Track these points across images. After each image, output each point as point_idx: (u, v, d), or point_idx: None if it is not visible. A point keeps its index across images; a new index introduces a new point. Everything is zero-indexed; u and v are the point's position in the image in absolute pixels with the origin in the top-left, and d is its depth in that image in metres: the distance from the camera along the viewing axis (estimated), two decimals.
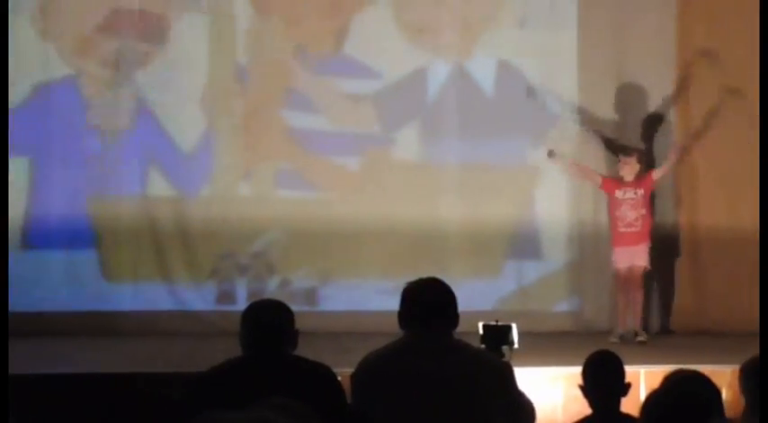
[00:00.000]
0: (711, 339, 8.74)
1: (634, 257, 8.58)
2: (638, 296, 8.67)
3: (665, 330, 9.30)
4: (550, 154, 9.06)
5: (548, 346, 7.88)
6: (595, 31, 9.36)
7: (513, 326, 4.22)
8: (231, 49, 9.34)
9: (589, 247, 9.34)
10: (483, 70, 9.43)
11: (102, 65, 9.22)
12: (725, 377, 5.89)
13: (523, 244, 9.40)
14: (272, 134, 9.37)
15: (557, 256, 9.41)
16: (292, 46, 9.35)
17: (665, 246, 9.19)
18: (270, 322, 3.60)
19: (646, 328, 8.86)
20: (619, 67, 9.35)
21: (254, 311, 3.66)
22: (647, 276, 8.82)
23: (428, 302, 3.51)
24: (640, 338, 8.52)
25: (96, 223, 9.16)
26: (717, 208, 9.35)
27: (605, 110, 9.34)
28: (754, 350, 4.24)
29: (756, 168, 9.36)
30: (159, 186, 9.27)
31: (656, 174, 8.71)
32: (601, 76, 9.35)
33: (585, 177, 9.03)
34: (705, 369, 3.37)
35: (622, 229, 8.60)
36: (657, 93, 9.39)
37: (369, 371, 3.55)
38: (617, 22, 9.36)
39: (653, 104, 9.38)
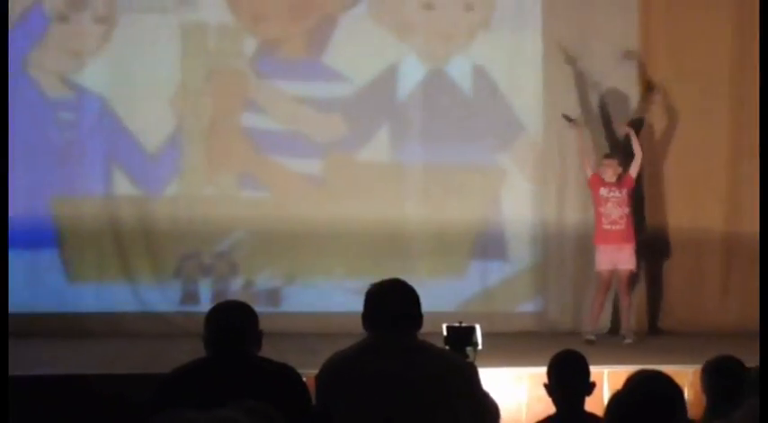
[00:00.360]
0: (675, 340, 8.81)
1: (618, 260, 8.61)
2: (626, 299, 8.71)
3: (654, 331, 9.33)
4: (568, 118, 9.10)
5: (512, 347, 7.90)
6: (559, 34, 9.40)
7: (477, 327, 4.23)
8: (200, 50, 9.30)
9: (553, 248, 9.38)
10: (451, 73, 9.46)
11: (64, 60, 9.15)
12: (687, 377, 5.93)
13: (488, 245, 9.42)
14: (238, 136, 9.35)
15: (521, 256, 9.44)
16: (262, 47, 9.33)
17: (653, 246, 9.25)
18: (234, 323, 3.58)
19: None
20: (582, 68, 9.39)
21: (217, 313, 3.64)
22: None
23: (392, 303, 3.51)
24: (627, 341, 8.55)
25: (59, 223, 9.09)
26: (680, 209, 9.42)
27: (570, 111, 9.38)
28: (715, 350, 4.28)
29: (720, 168, 9.44)
30: (123, 186, 9.22)
31: (633, 171, 8.77)
32: (565, 78, 9.39)
33: (582, 162, 9.02)
34: (668, 369, 3.39)
35: (607, 227, 8.65)
36: (621, 94, 9.44)
37: (333, 372, 3.54)
38: (581, 25, 9.40)
39: (618, 107, 9.43)
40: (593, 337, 8.48)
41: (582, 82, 9.38)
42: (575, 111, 9.37)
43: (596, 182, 8.76)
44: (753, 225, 9.34)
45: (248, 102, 9.35)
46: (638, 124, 9.37)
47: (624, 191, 8.70)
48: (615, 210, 8.65)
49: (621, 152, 9.01)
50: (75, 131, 9.15)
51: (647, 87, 9.29)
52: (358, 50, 9.35)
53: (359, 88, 9.39)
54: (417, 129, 9.42)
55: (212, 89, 9.31)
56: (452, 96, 9.45)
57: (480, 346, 4.20)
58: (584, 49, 9.38)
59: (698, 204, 9.42)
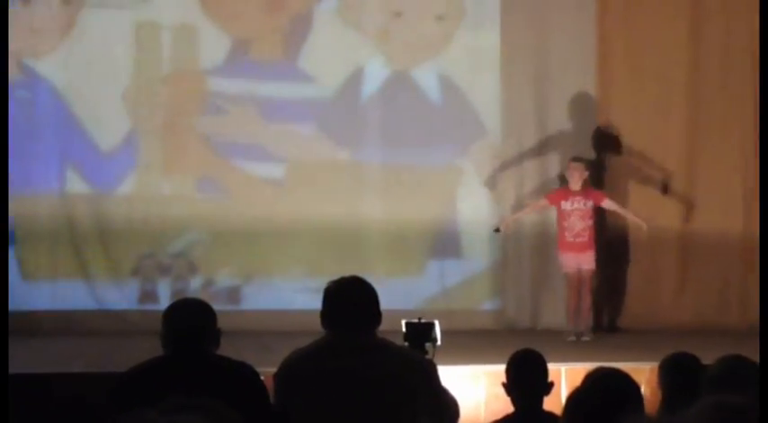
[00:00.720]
0: (632, 337, 8.87)
1: (581, 262, 8.63)
2: (587, 299, 8.71)
3: (613, 328, 9.38)
4: (497, 231, 9.03)
5: (471, 345, 7.92)
6: (517, 32, 9.43)
7: (436, 323, 4.24)
8: (156, 48, 9.24)
9: (511, 247, 9.41)
10: (413, 76, 9.47)
11: (23, 43, 9.05)
12: (644, 374, 5.97)
13: (446, 243, 9.44)
14: (195, 135, 9.30)
15: (479, 255, 9.47)
16: (224, 46, 9.29)
17: (610, 244, 9.29)
18: (192, 321, 3.56)
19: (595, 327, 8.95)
20: (540, 67, 9.44)
21: (175, 311, 3.62)
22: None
23: (350, 301, 3.50)
24: (585, 338, 8.57)
25: (13, 221, 8.99)
26: (639, 207, 9.47)
27: (527, 110, 9.41)
28: (671, 347, 4.31)
29: (677, 168, 9.52)
30: (78, 184, 9.14)
31: (608, 205, 8.76)
32: (523, 78, 9.42)
33: (533, 212, 9.03)
34: (625, 366, 3.41)
35: (569, 240, 8.62)
36: (579, 94, 9.49)
37: (291, 370, 3.53)
38: (539, 24, 9.44)
39: (576, 108, 9.48)
40: (573, 338, 8.51)
41: (540, 88, 9.40)
42: (534, 110, 9.41)
43: (555, 198, 8.72)
44: (708, 224, 9.44)
45: (206, 101, 9.30)
46: (600, 135, 9.41)
47: (589, 203, 8.63)
48: (579, 222, 8.60)
49: (587, 159, 9.00)
50: (30, 123, 9.05)
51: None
52: (323, 51, 9.34)
53: (319, 89, 9.38)
54: (377, 130, 9.42)
55: (169, 88, 9.25)
56: (413, 98, 9.45)
57: (440, 342, 4.20)
58: (542, 48, 9.41)
59: (655, 203, 9.48)
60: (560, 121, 9.47)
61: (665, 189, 9.42)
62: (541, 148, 9.43)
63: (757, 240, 9.30)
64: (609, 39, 9.49)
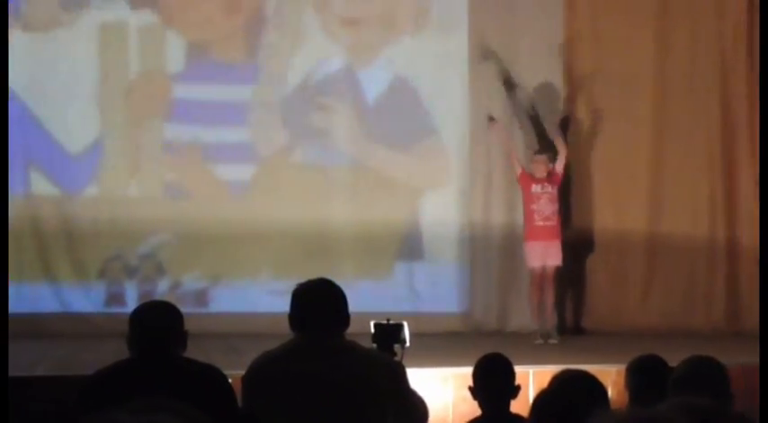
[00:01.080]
0: (598, 339, 8.91)
1: (547, 256, 8.65)
2: (551, 296, 8.74)
3: (578, 330, 9.41)
4: (491, 119, 9.13)
5: (438, 347, 7.93)
6: (485, 36, 9.46)
7: (405, 324, 4.24)
8: (123, 49, 9.20)
9: (479, 249, 9.43)
10: (379, 76, 9.48)
11: None
12: (610, 376, 5.99)
13: (414, 245, 9.46)
14: (162, 135, 9.26)
15: (447, 257, 9.49)
16: (188, 48, 9.26)
17: (577, 245, 9.31)
18: (158, 324, 3.54)
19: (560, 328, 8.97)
20: (506, 64, 9.46)
21: (141, 313, 3.60)
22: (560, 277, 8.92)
23: (318, 303, 3.50)
24: (552, 341, 8.58)
25: None
26: (605, 208, 9.52)
27: (495, 112, 9.44)
28: (638, 350, 4.33)
29: (643, 169, 9.56)
30: (42, 186, 9.08)
31: (559, 166, 8.83)
32: (492, 79, 9.45)
33: (511, 160, 9.06)
34: (591, 369, 3.43)
35: (539, 223, 8.67)
36: (546, 95, 9.53)
37: (259, 373, 3.52)
38: (506, 27, 9.47)
39: (547, 104, 9.51)
40: (540, 341, 8.52)
41: (508, 80, 9.44)
42: (502, 111, 9.44)
43: (526, 179, 8.80)
44: (674, 226, 9.50)
45: (172, 103, 9.26)
46: (565, 122, 9.47)
47: (555, 187, 8.75)
48: (548, 206, 8.68)
49: (551, 149, 9.07)
50: None
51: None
52: (286, 52, 9.32)
53: (285, 90, 9.37)
54: (344, 130, 9.42)
55: (135, 90, 9.21)
56: (381, 100, 9.46)
57: (408, 344, 4.20)
58: (511, 48, 9.44)
59: (622, 204, 9.53)
60: (528, 122, 9.49)
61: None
62: (509, 147, 9.44)
63: (723, 245, 9.40)
64: (576, 42, 9.54)
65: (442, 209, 9.48)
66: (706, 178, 9.56)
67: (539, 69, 9.47)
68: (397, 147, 9.47)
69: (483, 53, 9.35)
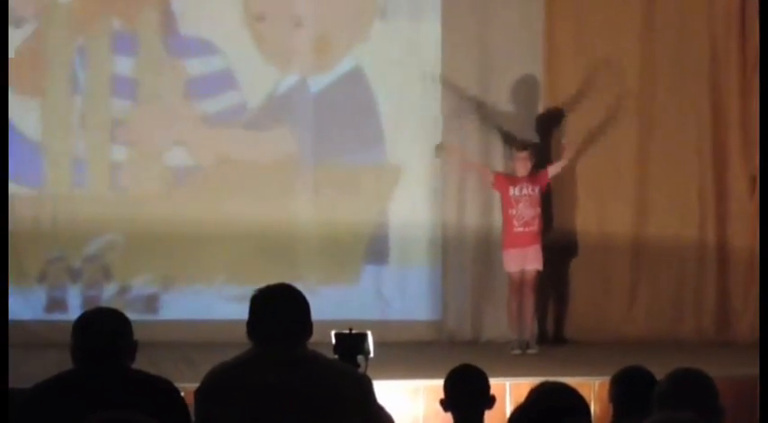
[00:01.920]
0: (580, 350, 8.95)
1: (526, 260, 8.67)
2: (530, 303, 8.74)
3: (559, 339, 9.45)
4: (439, 148, 9.11)
5: (408, 357, 7.95)
6: (460, 21, 9.48)
7: (369, 334, 4.25)
8: (66, 41, 9.17)
9: (453, 253, 9.45)
10: (344, 70, 9.49)
11: None
12: (592, 389, 6.04)
13: (383, 248, 9.47)
14: (110, 128, 9.23)
15: (418, 260, 9.50)
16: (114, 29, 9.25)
17: (558, 249, 9.35)
18: (105, 332, 3.53)
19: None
20: (483, 58, 9.49)
21: (86, 320, 3.59)
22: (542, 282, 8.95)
23: (279, 311, 3.50)
24: (532, 351, 8.60)
25: None
26: (588, 211, 9.55)
27: (469, 104, 9.46)
28: (622, 361, 4.36)
29: (628, 170, 9.61)
30: None
31: (552, 170, 8.84)
32: (466, 69, 9.47)
33: (478, 173, 9.09)
34: (572, 381, 3.45)
35: (518, 229, 8.66)
36: (525, 86, 9.56)
37: (215, 385, 3.52)
38: (481, 10, 9.49)
39: (522, 101, 9.55)
40: (518, 351, 8.54)
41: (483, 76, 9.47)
42: (475, 103, 9.45)
43: (502, 182, 8.79)
44: (661, 227, 9.54)
45: (121, 94, 9.24)
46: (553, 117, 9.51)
47: (537, 188, 8.73)
48: (528, 210, 8.67)
49: (533, 145, 9.08)
50: None
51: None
52: (247, 46, 9.34)
53: (245, 84, 9.38)
54: (309, 127, 9.43)
55: (79, 81, 9.18)
56: (346, 93, 9.46)
57: (372, 355, 4.22)
58: (485, 37, 9.46)
59: (606, 203, 9.56)
60: (504, 111, 9.50)
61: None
62: (486, 144, 9.47)
63: (713, 248, 9.46)
64: (557, 27, 9.56)
65: (412, 208, 9.49)
66: (696, 175, 9.59)
67: (516, 57, 9.48)
68: (365, 141, 9.48)
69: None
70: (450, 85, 9.36)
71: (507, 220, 8.74)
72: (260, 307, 3.52)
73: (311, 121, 9.43)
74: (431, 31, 9.46)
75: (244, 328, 3.56)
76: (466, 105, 9.40)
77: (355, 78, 9.51)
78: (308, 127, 9.44)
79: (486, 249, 9.37)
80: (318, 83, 9.46)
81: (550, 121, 9.54)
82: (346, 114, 9.46)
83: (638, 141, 9.61)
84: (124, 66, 9.27)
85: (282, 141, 9.43)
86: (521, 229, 8.66)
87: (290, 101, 9.43)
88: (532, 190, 8.70)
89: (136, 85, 9.29)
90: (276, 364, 3.45)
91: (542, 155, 9.18)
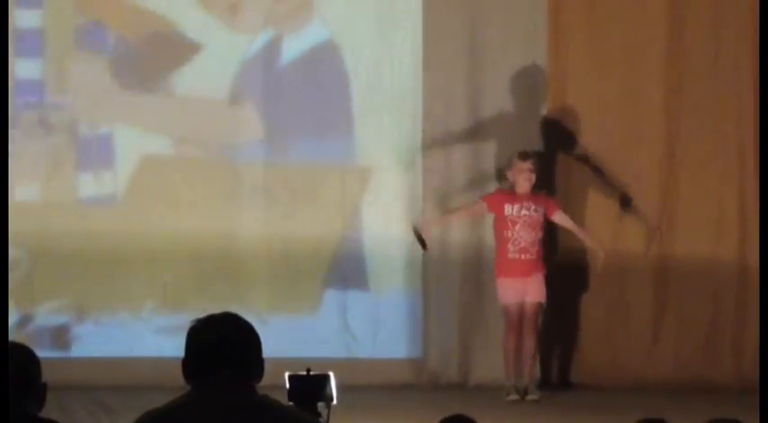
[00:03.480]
0: (592, 395, 8.99)
1: (526, 291, 8.70)
2: (531, 341, 8.76)
3: (565, 384, 9.47)
4: (416, 231, 9.02)
5: (382, 404, 7.97)
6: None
7: (331, 376, 4.26)
8: None
9: (435, 276, 9.46)
10: (305, 47, 9.51)
11: None
12: None
13: (348, 269, 9.48)
14: (15, 127, 9.24)
15: (393, 285, 9.51)
16: None
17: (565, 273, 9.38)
18: (6, 372, 3.53)
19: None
20: (475, 37, 9.52)
21: None
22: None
23: (221, 346, 3.50)
24: (532, 397, 8.63)
25: None
26: (600, 226, 9.57)
27: (456, 93, 9.48)
28: (642, 409, 4.39)
29: (650, 174, 9.65)
30: None
31: (560, 219, 8.88)
32: (452, 48, 9.49)
33: (469, 216, 9.09)
34: None
35: (513, 256, 8.67)
36: (526, 72, 9.59)
37: None
38: None
39: (521, 91, 9.58)
40: (515, 397, 8.57)
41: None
42: (463, 95, 9.47)
43: (495, 202, 8.80)
44: (693, 249, 9.55)
45: (23, 89, 9.25)
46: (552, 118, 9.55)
47: (540, 210, 8.75)
48: (526, 233, 8.69)
49: (537, 154, 9.08)
50: None
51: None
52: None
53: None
54: (257, 119, 9.44)
55: None
56: (305, 77, 9.49)
57: (335, 401, 4.23)
58: (478, 14, 9.50)
59: (623, 219, 9.58)
60: (500, 106, 9.53)
61: (625, 202, 9.51)
62: (474, 142, 9.50)
63: (755, 271, 9.45)
64: (564, 15, 9.59)
65: (384, 219, 9.51)
66: (734, 181, 9.62)
67: (515, 37, 9.52)
68: (327, 136, 9.49)
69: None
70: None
71: (501, 243, 8.76)
72: (198, 342, 3.53)
73: (261, 109, 9.43)
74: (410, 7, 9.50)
75: (178, 368, 3.57)
76: (452, 94, 9.44)
77: (318, 50, 9.51)
78: (256, 118, 9.45)
79: (475, 272, 9.39)
80: (270, 60, 9.46)
81: (557, 129, 9.56)
82: (307, 97, 9.44)
83: (663, 141, 9.64)
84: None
85: (224, 133, 9.44)
86: (516, 256, 8.69)
87: (244, 78, 9.43)
88: (534, 210, 8.74)
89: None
90: (218, 412, 3.46)
91: (547, 170, 9.19)
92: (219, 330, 3.55)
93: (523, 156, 8.86)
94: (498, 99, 9.54)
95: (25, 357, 3.61)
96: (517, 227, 8.70)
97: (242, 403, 3.49)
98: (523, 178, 8.73)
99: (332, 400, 4.22)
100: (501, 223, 8.75)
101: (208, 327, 3.56)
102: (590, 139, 9.56)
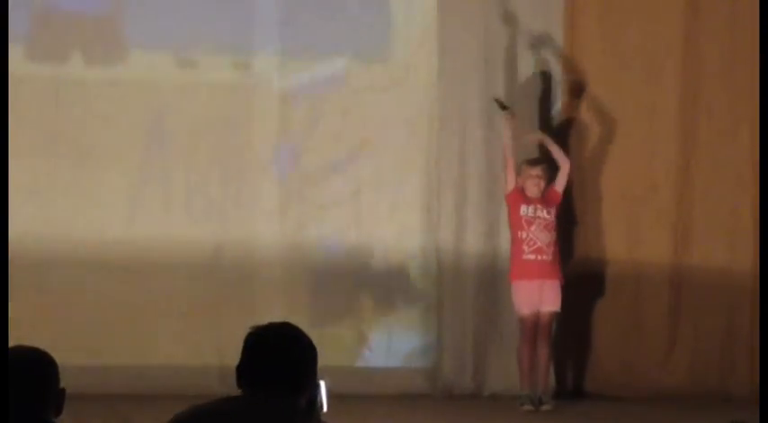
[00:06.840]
0: (606, 406, 8.98)
1: (542, 299, 8.72)
2: (545, 350, 8.81)
3: (580, 393, 9.47)
4: (501, 105, 9.07)
5: (395, 414, 7.96)
6: None
7: (322, 384, 4.25)
8: None
9: (449, 285, 9.46)
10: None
11: None
12: None
13: (362, 279, 9.47)
14: None
15: (406, 294, 9.52)
16: None
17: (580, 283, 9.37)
18: (25, 378, 3.53)
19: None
20: (485, 49, 9.54)
21: None
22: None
23: (276, 359, 3.54)
24: (546, 407, 8.65)
25: None
26: (617, 234, 9.56)
27: (471, 91, 9.47)
28: (658, 419, 4.38)
29: (668, 180, 9.63)
30: None
31: (560, 185, 8.90)
32: (467, 45, 9.49)
33: (506, 164, 9.02)
34: None
35: (528, 256, 8.72)
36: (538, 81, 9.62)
37: None
38: None
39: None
40: (530, 407, 8.59)
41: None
42: (477, 93, 9.47)
43: (516, 197, 8.84)
44: (707, 255, 9.53)
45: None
46: (564, 126, 9.53)
47: (552, 211, 8.80)
48: (542, 234, 8.74)
49: (547, 161, 9.07)
50: None
51: (572, 90, 9.34)
52: None
53: None
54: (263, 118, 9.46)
55: None
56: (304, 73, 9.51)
57: (326, 409, 4.21)
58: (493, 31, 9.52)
59: (639, 230, 9.58)
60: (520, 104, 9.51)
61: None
62: (489, 153, 9.50)
63: None
64: (578, 10, 9.59)
65: (399, 227, 9.51)
66: (749, 192, 9.61)
67: (531, 55, 9.55)
68: (340, 144, 9.48)
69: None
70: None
71: (516, 244, 8.80)
72: (255, 351, 3.56)
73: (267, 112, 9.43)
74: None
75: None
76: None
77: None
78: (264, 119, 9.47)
79: (490, 281, 9.38)
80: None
81: (566, 127, 9.57)
82: (315, 99, 9.44)
83: (678, 147, 9.63)
84: None
85: (233, 136, 9.45)
86: (531, 257, 8.72)
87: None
88: (548, 213, 8.79)
89: None
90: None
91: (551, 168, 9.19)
92: (278, 344, 3.59)
93: (532, 162, 8.92)
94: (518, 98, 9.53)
95: (43, 361, 3.61)
96: (533, 228, 8.75)
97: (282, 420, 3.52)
98: (532, 184, 8.78)
99: (322, 408, 4.23)
100: (516, 222, 8.80)
101: (267, 337, 3.59)
102: (604, 149, 9.55)
